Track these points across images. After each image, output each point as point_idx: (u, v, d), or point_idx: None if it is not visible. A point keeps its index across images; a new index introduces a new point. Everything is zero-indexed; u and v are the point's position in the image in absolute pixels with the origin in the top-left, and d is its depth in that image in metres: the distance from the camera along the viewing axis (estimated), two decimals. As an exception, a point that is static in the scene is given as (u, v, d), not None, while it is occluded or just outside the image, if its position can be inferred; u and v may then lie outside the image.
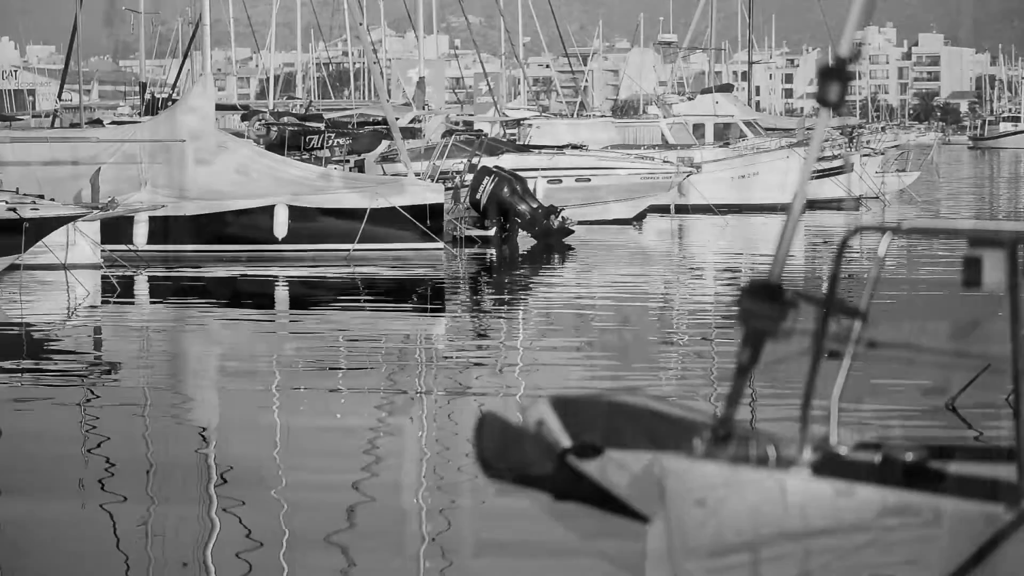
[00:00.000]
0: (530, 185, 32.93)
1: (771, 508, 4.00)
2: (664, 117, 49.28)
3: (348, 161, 39.72)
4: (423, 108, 45.39)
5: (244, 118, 47.79)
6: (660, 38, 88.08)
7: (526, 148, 40.95)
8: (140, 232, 26.86)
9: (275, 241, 27.31)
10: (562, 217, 31.35)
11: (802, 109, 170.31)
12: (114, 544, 8.66)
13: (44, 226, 22.28)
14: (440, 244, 27.55)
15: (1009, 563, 3.81)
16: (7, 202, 22.09)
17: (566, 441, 4.28)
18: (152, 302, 22.51)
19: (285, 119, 48.49)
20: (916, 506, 3.89)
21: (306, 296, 23.14)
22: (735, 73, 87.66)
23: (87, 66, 65.92)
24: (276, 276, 25.03)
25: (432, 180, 28.81)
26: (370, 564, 8.38)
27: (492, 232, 31.17)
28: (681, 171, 39.29)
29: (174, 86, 51.62)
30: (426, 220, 27.30)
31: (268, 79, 70.99)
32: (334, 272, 25.54)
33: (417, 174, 28.64)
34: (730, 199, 41.41)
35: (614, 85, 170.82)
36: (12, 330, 18.67)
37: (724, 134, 49.48)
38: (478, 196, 30.85)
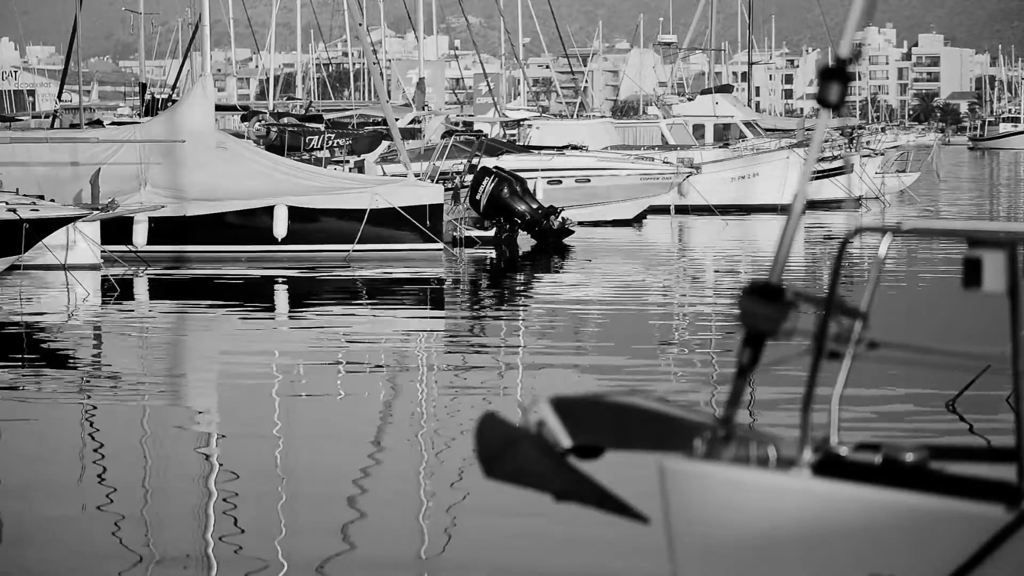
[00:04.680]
0: (530, 185, 32.93)
1: (771, 509, 4.00)
2: (664, 118, 49.30)
3: (348, 162, 39.73)
4: (423, 109, 45.41)
5: (244, 119, 47.82)
6: (660, 39, 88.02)
7: (526, 148, 40.96)
8: (140, 232, 26.85)
9: (275, 241, 27.30)
10: (562, 218, 31.35)
11: (802, 110, 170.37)
12: (113, 545, 8.67)
13: (44, 227, 22.29)
14: (440, 245, 27.55)
15: (1009, 563, 3.81)
16: (7, 203, 22.10)
17: (567, 441, 4.29)
18: (152, 303, 22.51)
19: (285, 120, 48.52)
20: (916, 506, 3.90)
21: (306, 297, 23.14)
22: (735, 74, 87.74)
23: (87, 67, 65.96)
24: (276, 276, 25.03)
25: (432, 181, 28.81)
26: (371, 564, 8.38)
27: (492, 233, 31.17)
28: (681, 172, 39.30)
29: (174, 87, 51.66)
30: (426, 221, 27.30)
31: (268, 80, 71.03)
32: (334, 273, 25.54)
33: (417, 175, 28.64)
34: (730, 200, 41.42)
35: (614, 86, 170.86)
36: (12, 330, 18.67)
37: (724, 135, 49.49)
38: (478, 197, 30.84)
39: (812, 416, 4.07)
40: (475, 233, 31.05)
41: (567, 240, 31.25)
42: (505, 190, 30.75)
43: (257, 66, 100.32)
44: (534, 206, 31.29)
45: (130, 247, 26.49)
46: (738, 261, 29.76)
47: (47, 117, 49.29)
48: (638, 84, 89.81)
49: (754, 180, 42.95)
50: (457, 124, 48.95)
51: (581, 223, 33.52)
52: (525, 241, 31.11)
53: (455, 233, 30.19)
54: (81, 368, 15.93)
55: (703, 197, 39.28)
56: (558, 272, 27.45)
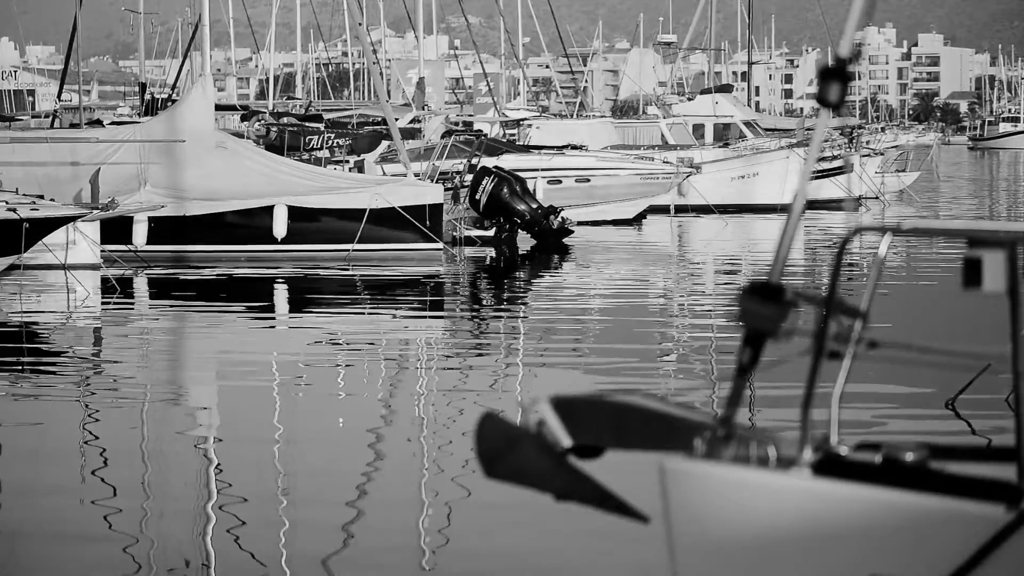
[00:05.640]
0: (530, 185, 32.93)
1: (771, 509, 4.00)
2: (664, 117, 49.29)
3: (348, 161, 39.74)
4: (423, 108, 45.42)
5: (244, 118, 47.84)
6: (660, 38, 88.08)
7: (526, 148, 40.97)
8: (140, 232, 26.84)
9: (275, 241, 27.30)
10: (562, 217, 31.35)
11: (802, 109, 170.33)
12: (113, 547, 8.67)
13: (44, 226, 22.28)
14: (439, 244, 27.55)
15: (1009, 563, 3.81)
16: (7, 202, 22.09)
17: (567, 441, 4.29)
18: (152, 302, 22.51)
19: (285, 119, 48.53)
20: (916, 506, 3.90)
21: (305, 297, 23.14)
22: (735, 73, 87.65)
23: (87, 66, 65.95)
24: (275, 276, 25.03)
25: (432, 180, 28.81)
26: (372, 565, 8.38)
27: (492, 232, 31.17)
28: (681, 171, 39.30)
29: (174, 86, 51.67)
30: (426, 221, 27.30)
31: (268, 79, 71.04)
32: (334, 272, 25.54)
33: (417, 174, 28.64)
34: (730, 199, 41.43)
35: (614, 85, 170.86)
36: (12, 330, 18.67)
37: (724, 134, 49.48)
38: (478, 196, 30.85)
39: (812, 416, 4.07)
40: (475, 233, 31.05)
41: (567, 240, 31.25)
42: (505, 190, 30.76)
43: (257, 66, 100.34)
44: (534, 206, 31.29)
45: (130, 247, 26.48)
46: (738, 261, 29.76)
47: (47, 117, 49.31)
48: (638, 84, 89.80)
49: (754, 180, 42.96)
50: (457, 124, 48.94)
51: (581, 223, 33.52)
52: (525, 241, 31.11)
53: (455, 233, 30.20)
54: (80, 368, 15.92)
55: (703, 197, 39.28)
56: (558, 272, 27.45)
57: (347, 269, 25.84)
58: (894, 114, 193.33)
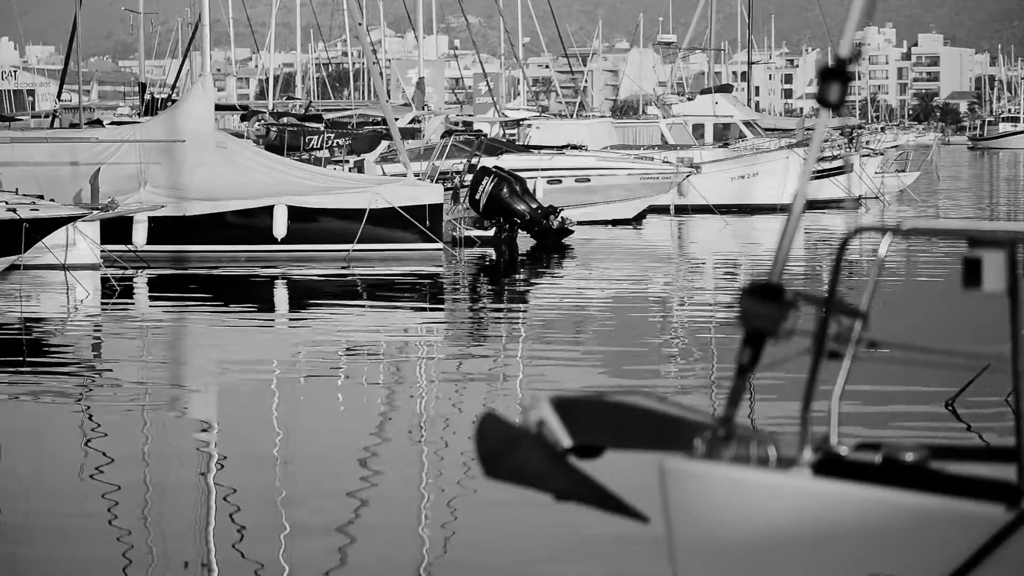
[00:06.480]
0: (530, 185, 32.93)
1: (771, 508, 4.00)
2: (664, 117, 49.28)
3: (348, 161, 39.74)
4: (422, 108, 45.40)
5: (244, 118, 47.83)
6: (659, 38, 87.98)
7: (526, 148, 40.96)
8: (140, 232, 26.84)
9: (274, 241, 27.30)
10: (562, 217, 31.36)
11: (802, 109, 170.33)
12: (112, 547, 8.67)
13: (44, 226, 22.28)
14: (439, 245, 27.55)
15: (1009, 563, 3.81)
16: (7, 202, 22.09)
17: (567, 441, 4.29)
18: (152, 303, 22.50)
19: (285, 119, 48.53)
20: (916, 506, 3.90)
21: (305, 297, 23.13)
22: (734, 73, 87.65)
23: (87, 66, 65.96)
24: (276, 276, 25.03)
25: (431, 180, 28.81)
26: (372, 564, 8.38)
27: (492, 233, 31.17)
28: (681, 171, 39.30)
29: (174, 86, 51.66)
30: (426, 221, 27.30)
31: (267, 79, 71.04)
32: (333, 272, 25.53)
33: (416, 174, 28.64)
34: (730, 199, 41.41)
35: (614, 85, 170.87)
36: (12, 330, 18.67)
37: (724, 134, 49.48)
38: (477, 196, 30.84)
39: (812, 416, 4.07)
40: (475, 233, 31.04)
41: (567, 240, 31.24)
42: (504, 190, 30.75)
43: (257, 66, 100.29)
44: (534, 206, 31.29)
45: (130, 247, 26.47)
46: (738, 261, 29.75)
47: (47, 117, 49.28)
48: (638, 84, 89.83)
49: (754, 180, 42.95)
50: (457, 124, 48.94)
51: (581, 223, 33.51)
52: (525, 241, 31.11)
53: (455, 233, 30.19)
54: (80, 369, 15.92)
55: (703, 197, 39.27)
56: (558, 272, 27.45)
57: (347, 269, 25.84)
58: (894, 114, 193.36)
